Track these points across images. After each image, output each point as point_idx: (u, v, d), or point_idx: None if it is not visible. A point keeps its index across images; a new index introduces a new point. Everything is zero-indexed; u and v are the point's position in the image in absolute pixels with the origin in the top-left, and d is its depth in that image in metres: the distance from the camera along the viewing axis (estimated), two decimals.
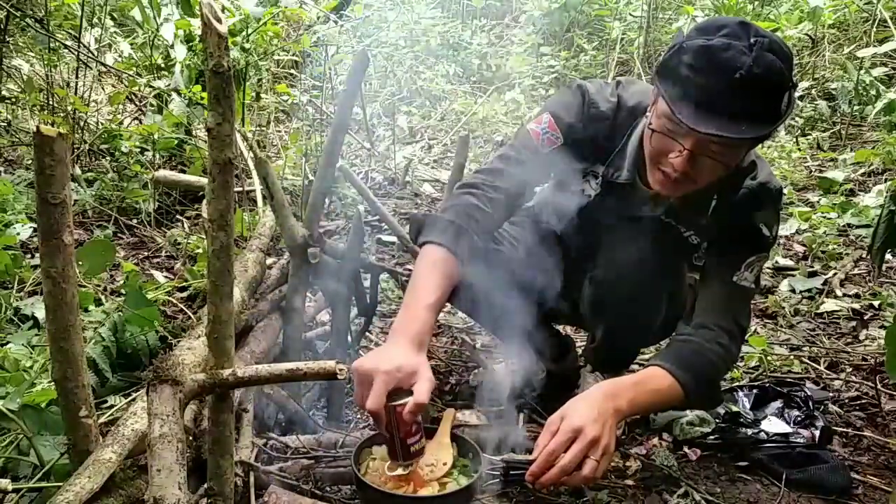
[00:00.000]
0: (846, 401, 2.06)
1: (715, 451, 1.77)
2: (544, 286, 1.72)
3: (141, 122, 3.69)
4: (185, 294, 2.40)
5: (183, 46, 3.78)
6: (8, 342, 1.81)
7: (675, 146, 1.39)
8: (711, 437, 1.79)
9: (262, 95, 4.59)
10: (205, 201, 0.97)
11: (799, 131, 4.86)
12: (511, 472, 1.47)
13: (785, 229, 3.43)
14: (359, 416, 1.87)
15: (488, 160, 1.68)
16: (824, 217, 3.46)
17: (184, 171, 3.54)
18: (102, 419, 1.52)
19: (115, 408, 1.61)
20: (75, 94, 3.55)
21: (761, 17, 5.67)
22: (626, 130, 1.59)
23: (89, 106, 3.61)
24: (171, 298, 2.27)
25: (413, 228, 1.59)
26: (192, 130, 3.75)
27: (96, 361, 1.74)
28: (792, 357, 2.31)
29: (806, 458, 1.69)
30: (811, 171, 4.33)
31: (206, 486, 1.17)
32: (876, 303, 2.70)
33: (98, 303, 2.06)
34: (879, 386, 2.05)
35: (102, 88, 4.10)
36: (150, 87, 3.62)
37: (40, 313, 1.96)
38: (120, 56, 4.12)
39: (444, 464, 1.38)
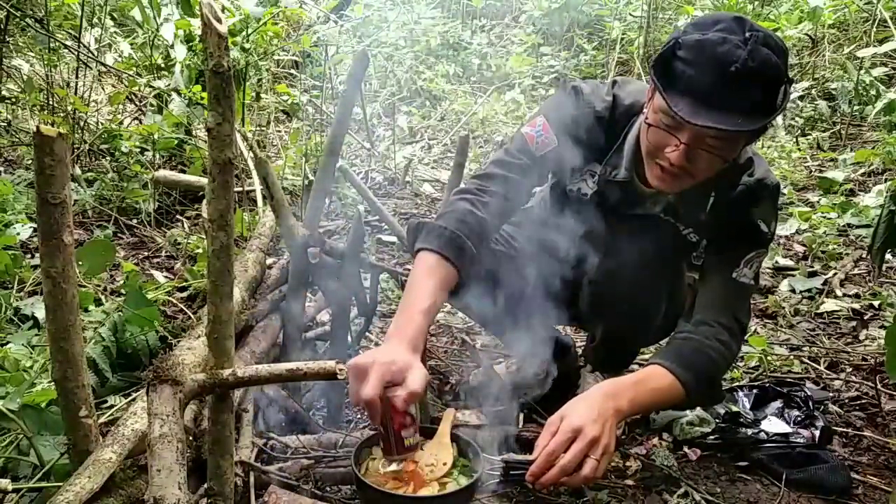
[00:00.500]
0: (846, 401, 2.06)
1: (715, 451, 1.77)
2: (543, 287, 1.72)
3: (141, 122, 3.69)
4: (185, 294, 2.40)
5: (183, 46, 3.78)
6: (8, 342, 1.81)
7: (672, 140, 1.39)
8: (711, 437, 1.79)
9: (262, 95, 4.59)
10: (205, 201, 0.97)
11: (799, 131, 4.86)
12: (511, 472, 1.47)
13: (785, 229, 3.43)
14: (358, 416, 1.87)
15: (484, 165, 1.68)
16: (824, 217, 3.46)
17: (184, 171, 3.54)
18: (102, 419, 1.52)
19: (115, 408, 1.61)
20: (75, 94, 3.55)
21: (761, 16, 5.67)
22: (623, 129, 1.59)
23: (89, 106, 3.61)
24: (171, 298, 2.27)
25: (409, 235, 1.59)
26: (192, 130, 3.75)
27: (96, 361, 1.74)
28: (792, 357, 2.31)
29: (806, 458, 1.69)
30: (811, 171, 4.33)
31: (206, 486, 1.17)
32: (876, 303, 2.70)
33: (98, 303, 2.06)
34: (879, 386, 2.05)
35: (102, 88, 4.10)
36: (150, 87, 3.62)
37: (40, 313, 1.96)
38: (120, 56, 4.12)
39: (444, 464, 1.38)
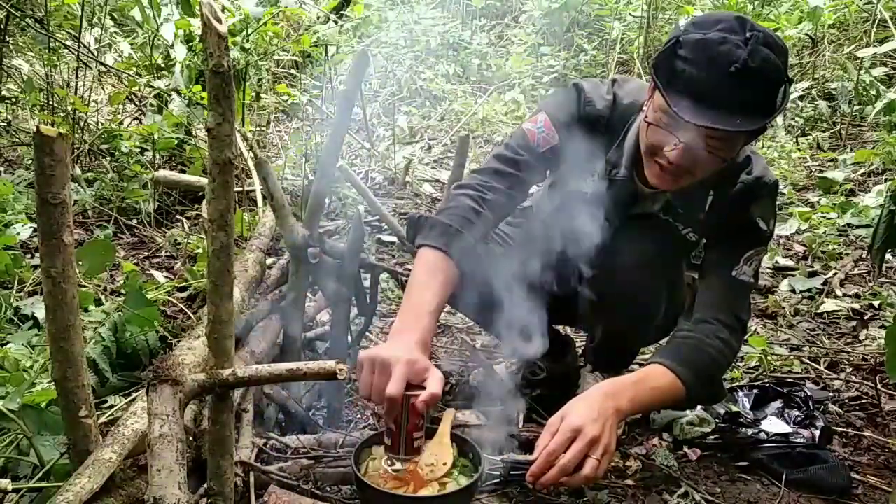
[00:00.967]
0: (846, 401, 2.06)
1: (715, 451, 1.77)
2: (542, 286, 1.72)
3: (141, 122, 3.69)
4: (185, 294, 2.40)
5: (183, 46, 3.78)
6: (8, 342, 1.81)
7: (671, 139, 1.39)
8: (711, 437, 1.79)
9: (262, 95, 4.59)
10: (205, 201, 0.97)
11: (799, 131, 4.86)
12: (511, 472, 1.47)
13: (785, 229, 3.43)
14: (358, 415, 1.87)
15: (485, 160, 1.68)
16: (824, 217, 3.46)
17: (184, 171, 3.54)
18: (102, 419, 1.52)
19: (116, 408, 1.61)
20: (75, 94, 3.55)
21: (761, 17, 5.67)
22: (623, 128, 1.59)
23: (89, 106, 3.61)
24: (171, 298, 2.27)
25: (410, 229, 1.60)
26: (192, 130, 3.75)
27: (96, 361, 1.74)
28: (792, 357, 2.31)
29: (806, 458, 1.69)
30: (811, 171, 4.33)
31: (206, 486, 1.17)
32: (876, 303, 2.70)
33: (98, 303, 2.06)
34: (879, 386, 2.05)
35: (102, 88, 4.10)
36: (150, 87, 3.62)
37: (40, 313, 1.96)
38: (120, 56, 4.12)
39: (444, 464, 1.38)
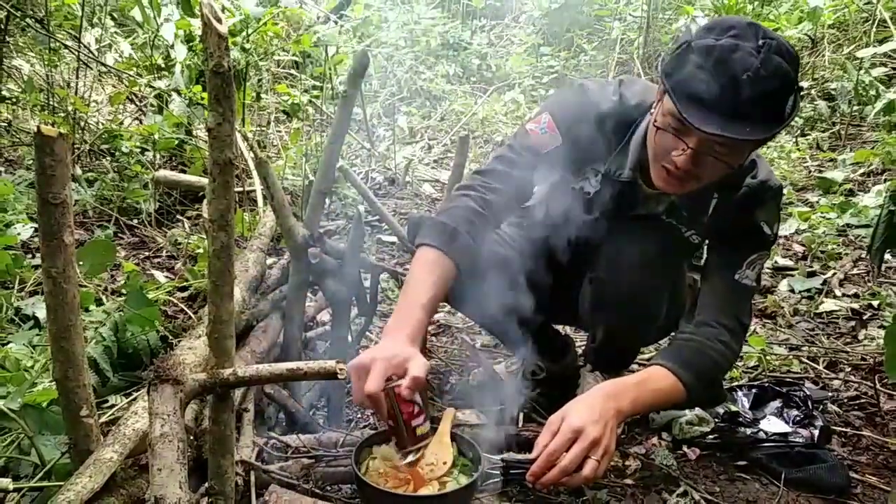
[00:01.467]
0: (845, 400, 2.07)
1: (714, 451, 1.78)
2: (543, 286, 1.72)
3: (141, 123, 3.69)
4: (185, 294, 2.41)
5: (183, 46, 3.78)
6: (9, 342, 1.82)
7: (679, 144, 1.39)
8: (710, 436, 1.80)
9: (263, 95, 4.59)
10: (205, 201, 0.98)
11: (798, 131, 4.86)
12: (511, 472, 1.48)
13: (784, 229, 3.43)
14: (359, 415, 1.87)
15: (487, 161, 1.68)
16: (823, 217, 3.46)
17: (184, 172, 3.54)
18: (103, 419, 1.52)
19: (116, 407, 1.62)
20: (76, 94, 3.55)
21: (761, 17, 5.67)
22: (629, 129, 1.58)
23: (90, 106, 3.62)
24: (171, 298, 2.27)
25: (410, 230, 1.60)
26: (193, 130, 3.75)
27: (97, 361, 1.74)
28: (791, 357, 2.32)
29: (805, 457, 1.69)
30: (810, 172, 4.33)
31: (206, 485, 1.17)
32: (875, 303, 2.70)
33: (99, 303, 2.06)
34: (878, 385, 2.05)
35: (103, 88, 4.10)
36: (151, 87, 3.62)
37: (41, 313, 1.96)
38: (120, 56, 4.12)
39: (444, 463, 1.38)
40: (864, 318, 2.63)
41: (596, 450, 1.32)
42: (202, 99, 3.45)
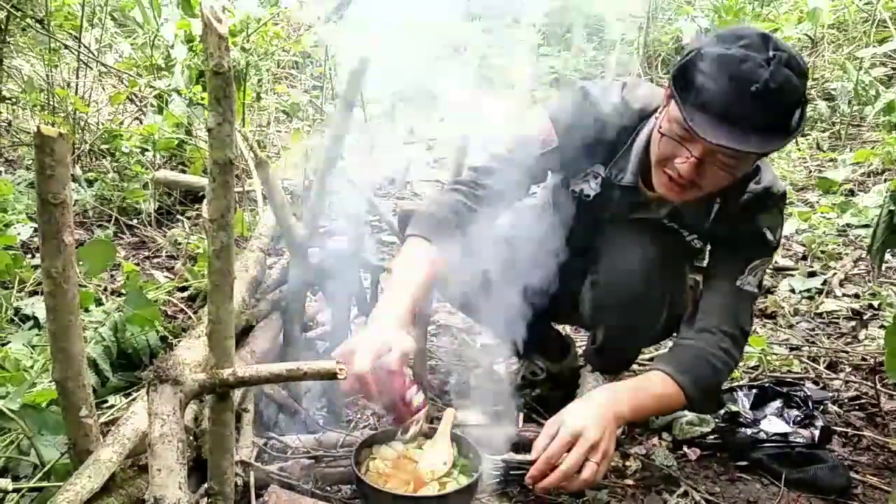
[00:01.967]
0: (845, 400, 2.07)
1: (714, 451, 1.77)
2: (543, 286, 1.72)
3: (141, 123, 3.69)
4: (185, 294, 2.41)
5: (183, 46, 3.78)
6: (9, 342, 1.81)
7: (683, 152, 1.38)
8: (711, 436, 1.79)
9: (263, 95, 4.59)
10: (205, 201, 0.97)
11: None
12: (511, 472, 1.47)
13: (785, 229, 3.41)
14: (359, 415, 1.87)
15: (483, 159, 1.68)
16: (824, 217, 3.46)
17: (184, 172, 3.54)
18: (103, 419, 1.52)
19: (116, 407, 1.61)
20: (76, 94, 3.55)
21: (761, 17, 5.67)
22: (631, 133, 1.58)
23: (90, 106, 3.61)
24: (171, 298, 2.27)
25: (400, 224, 1.60)
26: (193, 130, 3.75)
27: (97, 361, 1.74)
28: (791, 357, 2.31)
29: (805, 457, 1.69)
30: (811, 172, 4.33)
31: (206, 485, 1.17)
32: (875, 302, 2.70)
33: (98, 303, 2.06)
34: (879, 386, 2.05)
35: (103, 89, 4.10)
36: (151, 87, 3.62)
37: (41, 313, 1.96)
38: (120, 56, 4.12)
39: (444, 463, 1.38)
40: (865, 318, 2.63)
41: (595, 453, 1.32)
42: (202, 99, 3.44)
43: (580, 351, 2.09)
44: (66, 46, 3.69)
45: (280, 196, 1.66)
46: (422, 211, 1.53)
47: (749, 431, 1.79)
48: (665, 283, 1.66)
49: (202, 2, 0.93)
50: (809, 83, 5.17)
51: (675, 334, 1.75)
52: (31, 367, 1.67)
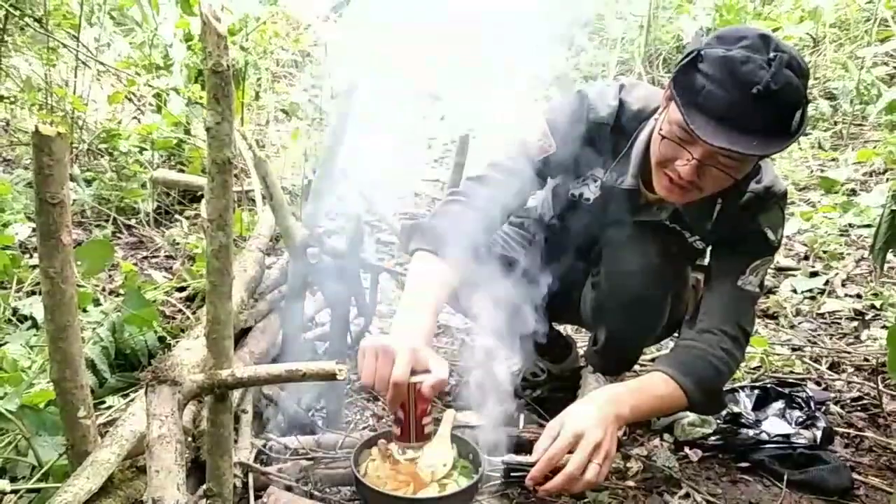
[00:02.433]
0: (848, 401, 2.06)
1: (716, 452, 1.77)
2: (543, 288, 1.71)
3: (140, 122, 3.68)
4: (183, 294, 2.40)
5: (182, 45, 3.78)
6: (6, 342, 1.81)
7: (684, 154, 1.37)
8: (712, 437, 1.79)
9: (262, 94, 4.58)
10: (204, 201, 0.97)
11: None
12: (511, 474, 1.47)
13: (786, 229, 3.41)
14: (358, 416, 1.86)
15: (481, 168, 1.67)
16: (826, 217, 3.46)
17: (183, 171, 3.53)
18: (101, 420, 1.52)
19: (114, 408, 1.61)
20: (74, 93, 3.54)
21: (762, 16, 5.67)
22: (630, 135, 1.57)
23: (88, 105, 3.61)
24: (169, 298, 2.27)
25: (403, 238, 1.58)
26: (191, 130, 3.75)
27: (95, 362, 1.73)
28: (793, 357, 2.31)
29: (807, 458, 1.69)
30: (812, 171, 4.32)
31: (204, 486, 1.16)
32: (877, 303, 2.69)
33: (97, 303, 2.06)
34: (881, 386, 2.04)
35: (101, 88, 4.09)
36: (149, 86, 3.61)
37: (39, 313, 1.95)
38: (119, 55, 4.11)
39: (444, 465, 1.38)
40: (867, 318, 2.62)
41: (597, 454, 1.31)
42: (201, 98, 3.44)
43: (581, 352, 2.08)
44: (65, 45, 3.68)
45: (279, 196, 1.65)
46: (424, 224, 1.52)
47: (751, 432, 1.78)
48: (667, 284, 1.65)
49: (201, 0, 0.93)
50: (811, 82, 5.17)
51: (676, 335, 1.74)
52: (29, 367, 1.66)
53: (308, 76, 4.92)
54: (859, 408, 2.03)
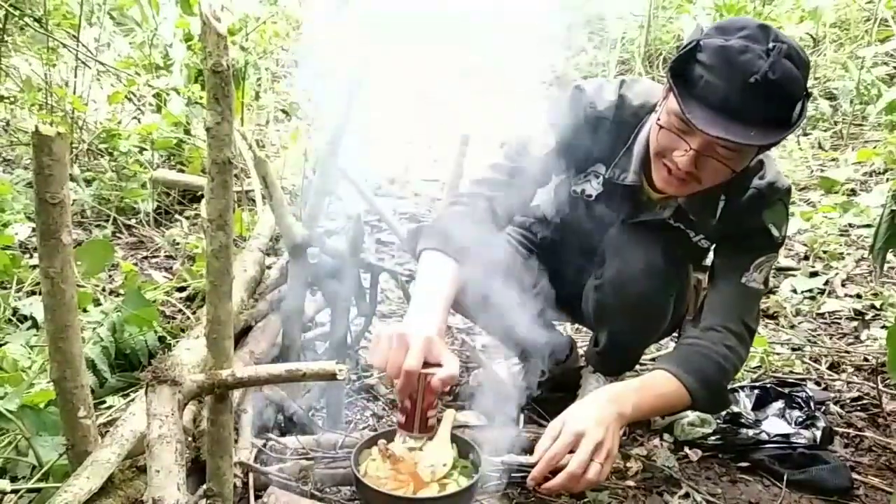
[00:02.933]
0: (847, 401, 2.06)
1: (716, 452, 1.77)
2: (544, 287, 1.71)
3: (140, 122, 3.68)
4: (183, 294, 2.40)
5: (182, 45, 3.78)
6: (6, 342, 1.81)
7: (682, 144, 1.37)
8: (712, 437, 1.79)
9: (262, 94, 4.58)
10: (204, 201, 0.97)
11: (801, 131, 4.85)
12: (511, 474, 1.47)
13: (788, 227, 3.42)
14: (358, 416, 1.86)
15: (483, 169, 1.67)
16: (826, 217, 3.45)
17: (183, 171, 3.53)
18: (101, 420, 1.52)
19: (114, 408, 1.61)
20: (74, 93, 3.54)
21: (762, 16, 5.66)
22: (631, 130, 1.56)
23: (88, 105, 3.61)
24: (169, 298, 2.27)
25: (410, 241, 1.58)
26: (191, 130, 3.74)
27: (95, 362, 1.73)
28: (793, 357, 2.31)
29: (807, 458, 1.69)
30: (812, 171, 4.31)
31: (205, 486, 1.16)
32: (877, 303, 2.69)
33: (97, 303, 2.06)
34: (881, 386, 2.04)
35: (101, 88, 4.09)
36: (149, 86, 3.61)
37: (39, 313, 1.95)
38: (119, 55, 4.11)
39: (444, 464, 1.37)
40: (867, 318, 2.62)
41: (599, 453, 1.31)
42: (201, 98, 3.44)
43: (581, 352, 2.08)
44: (65, 45, 3.68)
45: (279, 195, 1.65)
46: (430, 227, 1.52)
47: (751, 432, 1.79)
48: (670, 286, 1.64)
49: (201, 0, 0.93)
50: (811, 82, 5.18)
51: (676, 335, 1.74)
52: (30, 367, 1.66)
53: (308, 76, 4.92)
54: (859, 408, 2.03)
